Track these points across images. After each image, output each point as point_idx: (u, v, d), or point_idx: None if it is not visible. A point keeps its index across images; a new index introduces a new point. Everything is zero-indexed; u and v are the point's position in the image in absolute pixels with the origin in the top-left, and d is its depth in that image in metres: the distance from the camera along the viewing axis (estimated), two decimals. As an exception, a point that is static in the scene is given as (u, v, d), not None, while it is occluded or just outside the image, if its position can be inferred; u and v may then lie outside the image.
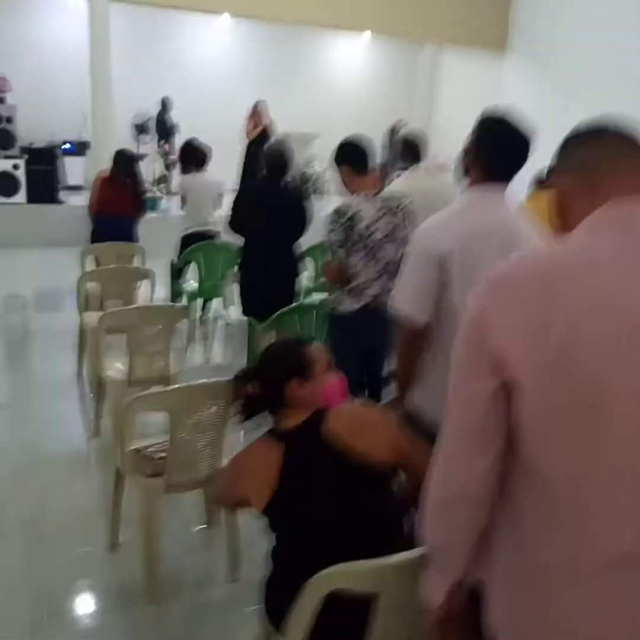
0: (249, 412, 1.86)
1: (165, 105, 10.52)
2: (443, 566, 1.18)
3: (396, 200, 3.00)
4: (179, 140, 9.74)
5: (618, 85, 8.47)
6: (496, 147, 1.97)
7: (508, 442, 1.06)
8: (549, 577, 1.04)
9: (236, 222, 4.01)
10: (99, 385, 3.55)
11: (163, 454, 2.41)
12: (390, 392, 2.69)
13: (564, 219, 1.12)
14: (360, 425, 1.72)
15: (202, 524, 2.87)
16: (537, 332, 0.95)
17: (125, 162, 5.38)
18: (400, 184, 4.28)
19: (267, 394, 1.82)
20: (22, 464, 3.31)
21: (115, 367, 3.42)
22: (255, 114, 9.89)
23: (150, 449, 2.47)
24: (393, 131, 11.35)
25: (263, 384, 1.83)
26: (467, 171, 2.04)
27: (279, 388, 1.78)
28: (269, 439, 1.75)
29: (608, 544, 0.99)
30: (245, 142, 9.90)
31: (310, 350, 1.85)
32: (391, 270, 3.00)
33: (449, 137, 11.31)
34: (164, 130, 10.40)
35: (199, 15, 10.11)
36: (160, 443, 2.48)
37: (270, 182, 3.94)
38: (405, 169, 4.51)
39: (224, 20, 10.41)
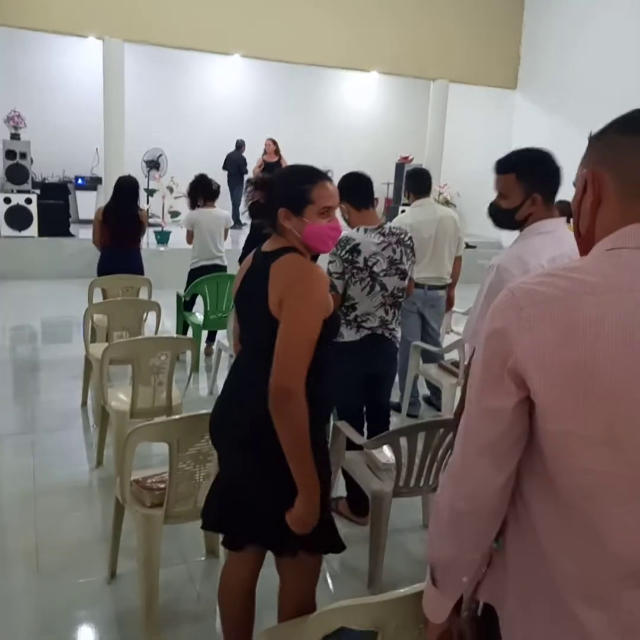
0: (252, 213, 1.93)
1: (239, 146, 11.30)
2: (448, 583, 1.17)
3: (395, 236, 3.06)
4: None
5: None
6: (551, 174, 2.05)
7: (524, 458, 1.07)
8: (567, 595, 1.04)
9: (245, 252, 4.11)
10: (103, 416, 3.59)
11: (163, 485, 2.43)
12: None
13: (586, 220, 1.08)
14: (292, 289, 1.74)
15: (202, 555, 2.87)
16: (558, 349, 0.96)
17: (125, 185, 5.40)
18: (409, 216, 4.37)
19: (263, 208, 1.88)
20: (24, 494, 3.34)
21: (119, 398, 3.46)
22: (266, 151, 10.24)
23: (150, 480, 2.49)
24: (401, 166, 11.53)
25: (263, 198, 1.86)
26: (524, 221, 2.07)
27: (270, 212, 1.84)
28: (256, 252, 1.92)
29: (627, 559, 0.99)
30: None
31: (317, 187, 1.81)
32: (390, 302, 3.05)
33: (459, 170, 11.50)
34: (235, 168, 11.14)
35: (211, 55, 10.39)
36: (160, 474, 2.51)
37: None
38: (409, 204, 4.59)
39: (235, 60, 10.69)
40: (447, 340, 4.74)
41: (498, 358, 1.02)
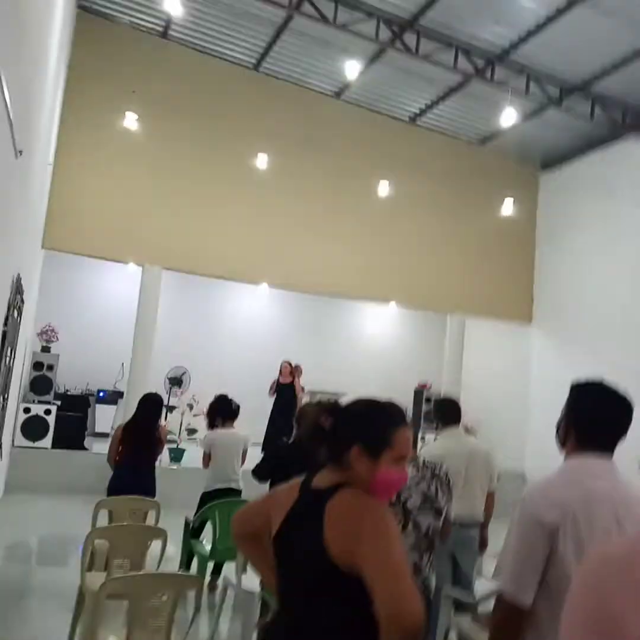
0: (309, 435, 1.76)
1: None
2: None
3: (430, 469, 2.85)
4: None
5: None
6: (591, 414, 1.94)
7: None
8: None
9: (264, 470, 4.04)
10: (89, 664, 3.11)
11: None
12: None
13: None
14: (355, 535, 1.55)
15: None
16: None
17: (149, 402, 5.41)
18: (439, 446, 4.21)
19: (331, 436, 1.70)
20: None
21: (110, 643, 3.03)
22: (282, 372, 10.41)
23: None
24: (420, 392, 11.58)
25: (335, 425, 1.71)
26: (564, 442, 2.00)
27: (338, 443, 1.68)
28: (298, 483, 1.75)
29: None
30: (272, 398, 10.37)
31: (399, 431, 1.68)
32: (424, 545, 2.75)
33: (477, 400, 11.47)
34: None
35: (240, 283, 11.03)
36: None
37: (306, 446, 3.84)
38: (434, 431, 4.43)
39: (262, 288, 11.31)
40: (478, 586, 4.26)
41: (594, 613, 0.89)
